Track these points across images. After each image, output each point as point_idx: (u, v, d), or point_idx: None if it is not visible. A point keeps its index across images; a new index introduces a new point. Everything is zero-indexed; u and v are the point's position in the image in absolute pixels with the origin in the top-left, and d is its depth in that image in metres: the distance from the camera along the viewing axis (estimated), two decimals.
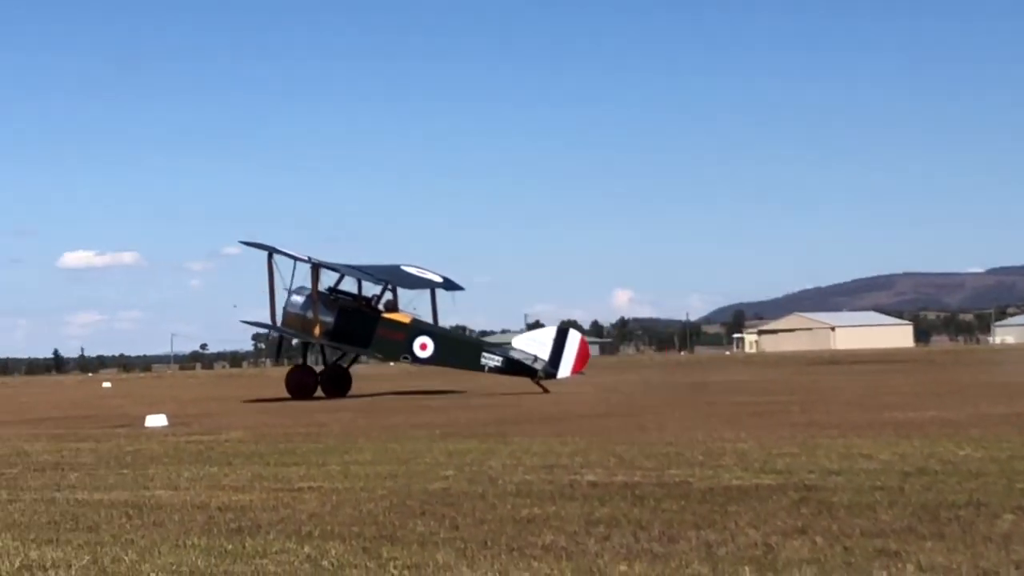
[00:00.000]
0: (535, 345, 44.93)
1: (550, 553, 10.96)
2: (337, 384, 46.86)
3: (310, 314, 45.75)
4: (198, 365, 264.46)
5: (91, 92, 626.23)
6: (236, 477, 17.72)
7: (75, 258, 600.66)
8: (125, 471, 19.14)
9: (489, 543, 11.50)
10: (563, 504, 13.91)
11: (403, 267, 49.51)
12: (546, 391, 43.13)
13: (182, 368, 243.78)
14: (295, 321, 46.46)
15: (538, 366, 44.60)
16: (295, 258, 46.13)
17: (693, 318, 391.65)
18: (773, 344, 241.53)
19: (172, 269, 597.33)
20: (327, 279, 47.42)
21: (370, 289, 48.12)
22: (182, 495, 15.81)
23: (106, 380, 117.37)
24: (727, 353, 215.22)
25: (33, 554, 11.50)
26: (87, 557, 11.26)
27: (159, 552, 11.48)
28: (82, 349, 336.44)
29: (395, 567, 10.50)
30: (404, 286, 47.89)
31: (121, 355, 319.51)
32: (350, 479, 16.93)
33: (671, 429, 24.04)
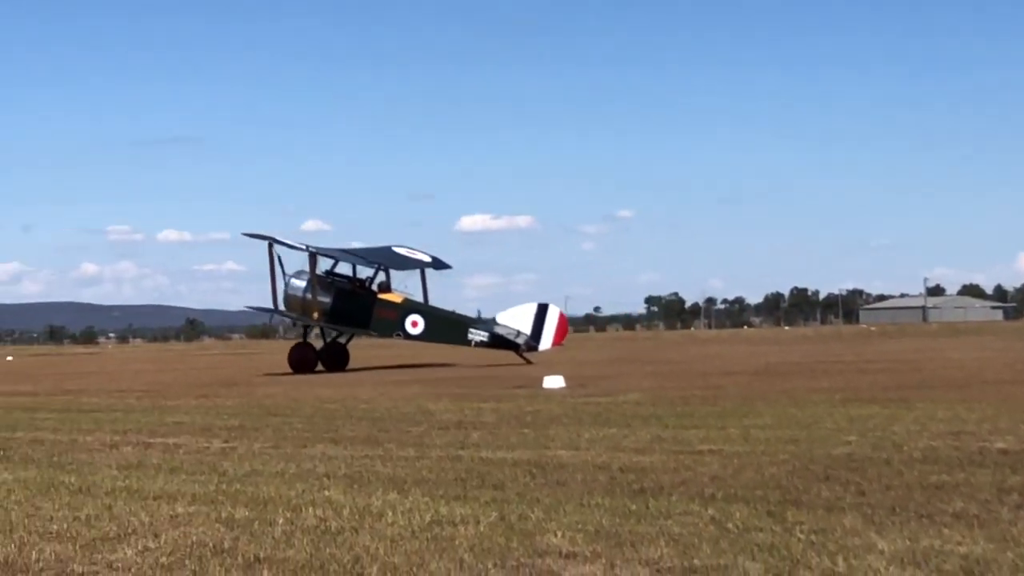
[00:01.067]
0: (517, 320, 47.51)
1: (961, 520, 10.58)
2: (337, 360, 49.10)
3: (309, 296, 48.55)
4: (592, 328, 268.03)
5: (489, 60, 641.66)
6: (636, 439, 17.79)
7: (472, 222, 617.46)
8: (526, 431, 19.48)
9: (897, 509, 11.19)
10: (972, 471, 13.43)
11: (394, 248, 51.98)
12: (529, 362, 45.44)
13: (576, 331, 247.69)
14: (296, 304, 49.17)
15: (520, 340, 47.13)
16: (292, 247, 49.13)
17: None
18: None
19: (566, 232, 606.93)
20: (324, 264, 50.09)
21: (367, 273, 50.42)
22: (583, 455, 15.97)
23: None
24: None
25: (443, 509, 11.80)
26: (494, 514, 11.47)
27: (564, 511, 11.60)
28: (479, 311, 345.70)
29: (801, 531, 10.31)
30: (395, 267, 50.45)
31: None
32: (750, 443, 16.77)
33: None
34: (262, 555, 9.89)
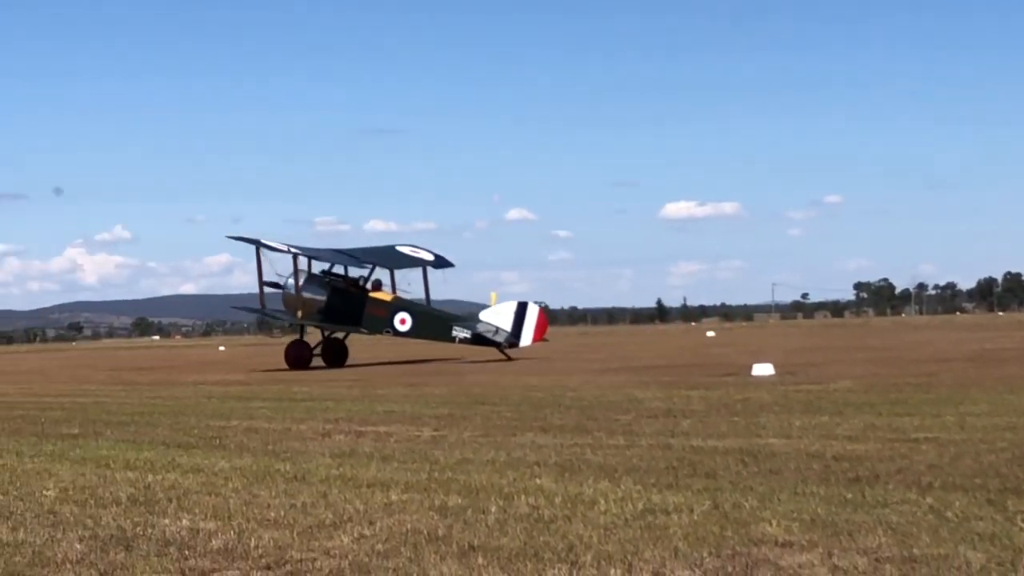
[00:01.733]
0: (499, 318, 48.85)
1: None
2: (336, 356, 50.82)
3: (306, 295, 50.74)
4: (799, 315, 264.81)
5: (693, 47, 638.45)
6: (849, 427, 17.48)
7: (677, 208, 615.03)
8: (736, 419, 19.28)
9: None
10: None
11: (397, 247, 54.19)
12: (509, 359, 46.88)
13: (783, 318, 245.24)
14: (293, 301, 50.98)
15: (499, 337, 48.44)
16: (277, 250, 50.77)
17: None
18: None
19: (772, 218, 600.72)
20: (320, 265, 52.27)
21: (361, 273, 52.01)
22: (795, 443, 15.74)
23: (709, 329, 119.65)
24: None
25: (655, 498, 11.71)
26: (707, 502, 11.35)
27: (778, 499, 11.42)
28: (684, 299, 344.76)
29: (1023, 520, 10.00)
30: (397, 266, 52.28)
31: (722, 304, 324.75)
32: (967, 430, 16.36)
33: None
34: (476, 543, 9.92)
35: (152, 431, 20.38)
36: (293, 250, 51.22)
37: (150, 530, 10.87)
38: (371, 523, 10.91)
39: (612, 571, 8.93)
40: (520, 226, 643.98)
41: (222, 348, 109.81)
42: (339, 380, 36.46)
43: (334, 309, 50.38)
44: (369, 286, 51.06)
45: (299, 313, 50.52)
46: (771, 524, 10.22)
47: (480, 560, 9.34)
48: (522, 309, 48.84)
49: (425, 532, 10.42)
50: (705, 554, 9.29)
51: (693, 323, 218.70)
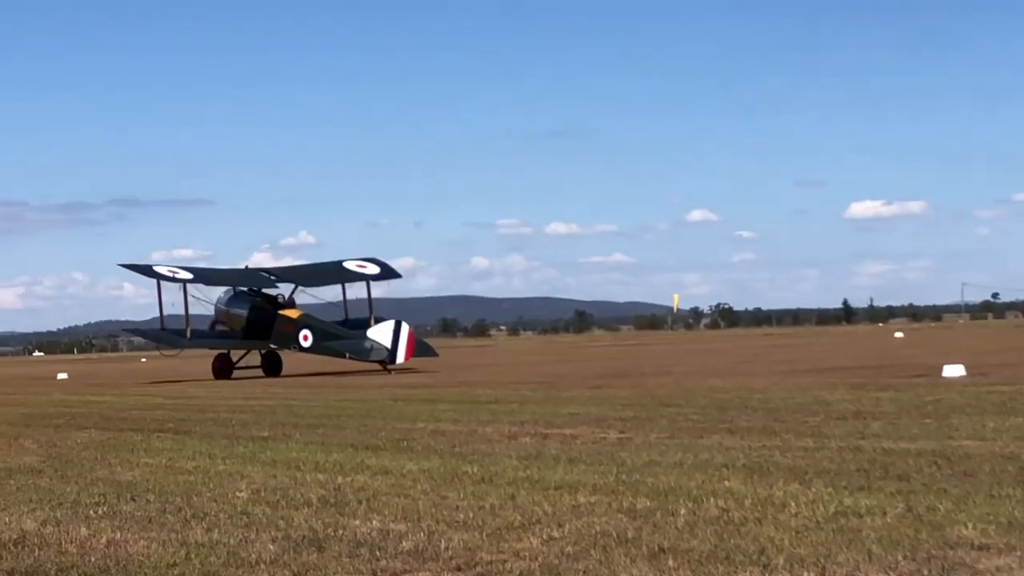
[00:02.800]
0: (381, 336, 51.37)
1: None
2: (272, 367, 54.22)
3: (233, 310, 54.88)
4: (989, 315, 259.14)
5: (889, 43, 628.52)
6: None
7: (862, 208, 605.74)
8: (927, 420, 18.89)
9: None
10: None
11: (344, 263, 56.54)
12: (390, 372, 49.87)
13: (973, 318, 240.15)
14: (223, 316, 55.43)
15: (378, 356, 51.19)
16: (167, 278, 54.04)
17: None
18: None
19: (960, 217, 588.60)
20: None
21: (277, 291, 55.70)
22: (989, 445, 15.37)
23: (897, 330, 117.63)
24: None
25: (847, 500, 11.51)
26: (901, 505, 11.13)
27: (973, 502, 11.16)
28: (871, 299, 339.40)
29: None
30: (345, 281, 55.79)
31: (910, 305, 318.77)
32: None
33: None
34: (666, 545, 9.84)
35: (340, 433, 20.64)
36: (181, 277, 54.65)
37: (341, 531, 11.00)
38: (560, 525, 10.90)
39: (805, 574, 8.81)
40: (702, 227, 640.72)
41: None
42: (524, 383, 36.56)
43: (251, 324, 54.08)
44: (280, 301, 54.86)
45: (228, 328, 55.12)
46: (967, 527, 9.99)
47: (671, 562, 9.27)
48: (397, 328, 51.51)
49: (614, 534, 10.37)
50: (900, 557, 9.11)
51: (880, 324, 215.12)
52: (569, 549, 9.90)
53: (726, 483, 12.91)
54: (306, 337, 52.95)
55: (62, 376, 60.16)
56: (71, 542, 10.98)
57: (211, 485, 14.42)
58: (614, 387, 31.90)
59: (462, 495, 12.87)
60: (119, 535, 11.20)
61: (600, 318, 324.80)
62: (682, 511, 11.28)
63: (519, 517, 11.38)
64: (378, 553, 10.04)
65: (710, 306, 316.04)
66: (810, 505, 11.32)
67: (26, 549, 10.76)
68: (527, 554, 9.81)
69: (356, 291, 56.55)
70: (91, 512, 12.67)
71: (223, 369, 53.58)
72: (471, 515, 11.59)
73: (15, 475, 16.17)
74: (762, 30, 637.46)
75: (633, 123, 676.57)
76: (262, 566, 9.76)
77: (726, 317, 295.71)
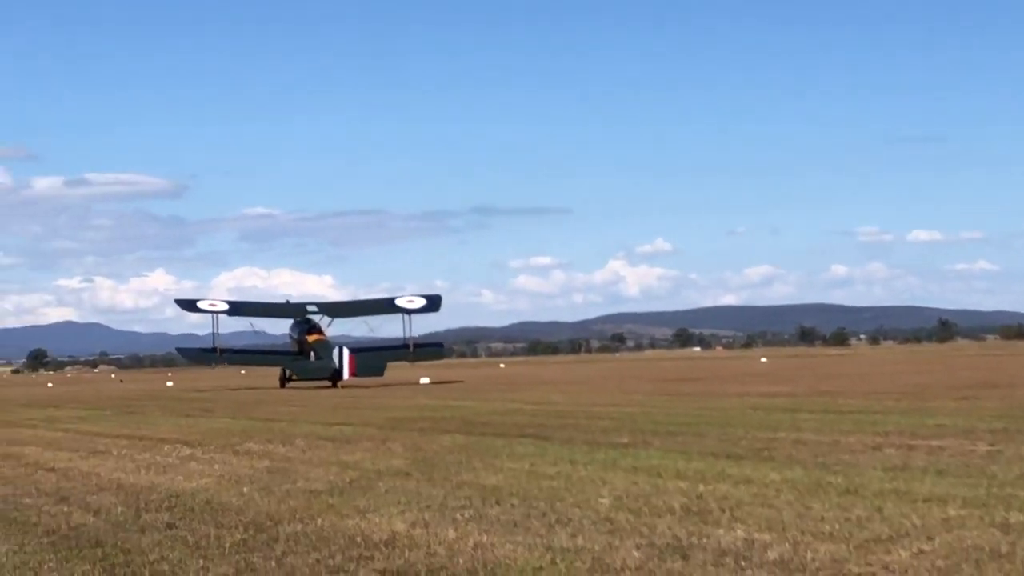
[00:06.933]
0: (338, 358, 63.90)
1: None
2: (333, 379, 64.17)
3: (291, 335, 71.38)
4: None
5: None
6: None
7: None
8: None
9: None
10: None
11: (396, 299, 71.95)
12: (339, 388, 60.61)
13: None
14: (290, 340, 71.99)
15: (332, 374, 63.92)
16: (204, 311, 71.68)
17: None
18: None
19: None
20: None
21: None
22: None
23: None
24: None
25: None
26: None
27: None
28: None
29: None
30: (382, 313, 72.39)
31: None
32: None
33: None
34: None
35: (700, 441, 20.56)
36: (215, 307, 71.02)
37: (705, 540, 10.93)
38: (929, 538, 10.59)
39: None
40: None
41: (764, 360, 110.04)
42: (886, 393, 35.71)
43: (297, 345, 69.61)
44: (313, 329, 68.80)
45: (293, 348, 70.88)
46: None
47: None
48: (341, 351, 63.91)
49: (987, 549, 10.03)
50: None
51: None
52: (940, 563, 9.61)
53: None
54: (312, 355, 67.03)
55: (424, 380, 62.07)
56: (439, 544, 11.25)
57: (573, 491, 14.55)
58: (982, 398, 30.85)
59: (827, 506, 12.64)
60: (485, 538, 11.41)
61: (964, 327, 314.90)
62: None
63: (887, 529, 11.11)
64: (743, 563, 9.94)
65: None
66: None
67: (396, 550, 11.07)
68: (896, 567, 9.56)
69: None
70: (458, 515, 12.96)
71: (281, 380, 67.44)
72: (837, 527, 11.36)
73: (384, 477, 16.69)
74: None
75: (999, 129, 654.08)
76: (627, 573, 9.79)
77: None
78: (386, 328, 76.52)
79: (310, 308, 72.59)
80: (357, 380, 63.02)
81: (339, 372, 63.43)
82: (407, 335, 70.09)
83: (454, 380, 66.68)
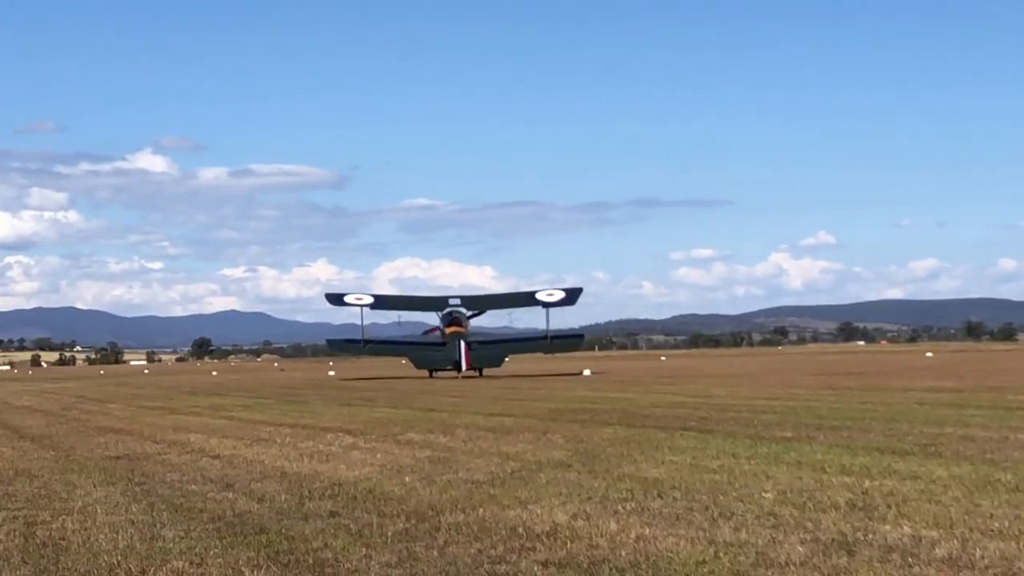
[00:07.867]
0: (457, 349, 69.09)
1: None
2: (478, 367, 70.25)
3: (441, 326, 73.49)
4: None
5: None
6: None
7: None
8: None
9: None
10: None
11: (536, 293, 74.11)
12: (458, 378, 64.10)
13: None
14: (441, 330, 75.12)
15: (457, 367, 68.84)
16: (350, 304, 75.46)
17: None
18: None
19: None
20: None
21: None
22: None
23: None
24: None
25: None
26: None
27: None
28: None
29: None
30: (521, 306, 76.29)
31: None
32: None
33: None
34: None
35: (865, 436, 20.25)
36: (361, 301, 74.69)
37: (871, 536, 10.76)
38: None
39: None
40: None
41: (929, 354, 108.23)
42: None
43: (444, 335, 72.23)
44: (453, 322, 72.04)
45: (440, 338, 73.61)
46: None
47: None
48: (459, 343, 68.39)
49: None
50: None
51: None
52: None
53: None
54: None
55: (587, 372, 62.09)
56: (601, 536, 11.21)
57: (736, 485, 14.41)
58: None
59: (996, 503, 12.38)
60: (648, 531, 11.34)
61: None
62: None
63: None
64: (910, 559, 9.76)
65: None
66: None
67: (558, 541, 11.05)
68: None
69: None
70: (619, 507, 12.90)
71: (428, 371, 71.19)
72: (1007, 524, 11.12)
73: (545, 468, 16.68)
74: None
75: None
76: (791, 568, 9.66)
77: None
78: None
79: (452, 301, 75.08)
80: (495, 370, 66.65)
81: (459, 363, 67.66)
82: (547, 327, 72.57)
83: (615, 372, 66.51)
